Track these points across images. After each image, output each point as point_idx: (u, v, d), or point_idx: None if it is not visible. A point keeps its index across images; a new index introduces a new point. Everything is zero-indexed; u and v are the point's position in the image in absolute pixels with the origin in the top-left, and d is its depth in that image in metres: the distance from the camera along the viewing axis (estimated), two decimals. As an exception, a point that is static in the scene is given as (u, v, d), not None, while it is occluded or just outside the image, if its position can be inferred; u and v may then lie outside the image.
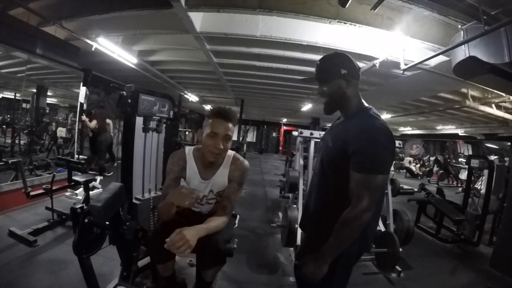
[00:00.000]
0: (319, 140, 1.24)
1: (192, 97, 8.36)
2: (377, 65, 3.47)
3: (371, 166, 0.94)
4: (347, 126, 1.05)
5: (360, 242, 1.02)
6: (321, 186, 1.12)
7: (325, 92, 1.11)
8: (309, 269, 1.00)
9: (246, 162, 1.46)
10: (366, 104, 1.10)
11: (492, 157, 7.07)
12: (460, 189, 6.98)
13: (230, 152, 1.45)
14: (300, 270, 1.03)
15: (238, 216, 1.81)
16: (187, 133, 11.48)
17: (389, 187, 2.89)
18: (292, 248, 2.67)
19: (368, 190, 0.93)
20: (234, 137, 1.42)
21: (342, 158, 0.99)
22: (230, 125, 1.31)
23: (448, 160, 9.52)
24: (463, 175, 7.80)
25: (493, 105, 5.44)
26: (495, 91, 4.47)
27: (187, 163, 1.41)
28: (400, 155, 12.32)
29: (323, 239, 1.00)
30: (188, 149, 1.44)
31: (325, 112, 1.16)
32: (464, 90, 4.99)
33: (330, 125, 1.30)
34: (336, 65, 1.09)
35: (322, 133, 2.95)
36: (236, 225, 1.73)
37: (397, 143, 2.94)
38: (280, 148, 17.25)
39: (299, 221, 1.48)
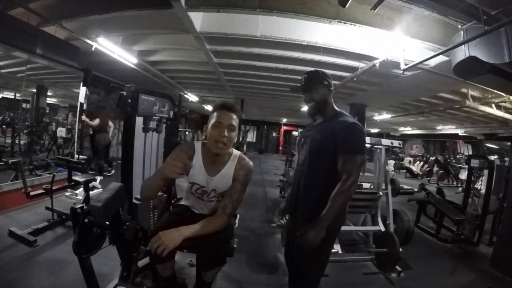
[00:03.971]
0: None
1: (192, 97, 8.35)
2: (377, 65, 3.47)
3: (355, 149, 1.28)
4: (331, 124, 1.36)
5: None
6: (313, 171, 1.37)
7: (312, 98, 1.43)
8: (310, 235, 1.20)
9: (251, 163, 1.46)
10: (338, 109, 1.45)
11: (492, 157, 7.07)
12: (460, 189, 6.98)
13: (236, 152, 1.45)
14: (301, 237, 1.21)
15: (238, 216, 1.81)
16: (187, 133, 11.50)
17: (389, 187, 2.89)
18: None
19: (354, 166, 1.25)
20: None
21: (331, 146, 1.30)
22: (234, 116, 1.34)
23: (448, 160, 9.52)
24: (463, 175, 7.79)
25: (493, 105, 5.45)
26: (495, 91, 4.47)
27: (194, 154, 1.40)
28: (400, 155, 12.33)
29: (320, 209, 1.23)
30: (197, 143, 1.44)
31: (310, 114, 1.50)
32: (464, 90, 5.00)
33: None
34: (321, 77, 1.43)
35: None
36: (236, 225, 1.73)
37: (396, 143, 2.97)
38: (280, 148, 17.26)
39: (285, 207, 1.66)
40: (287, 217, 1.65)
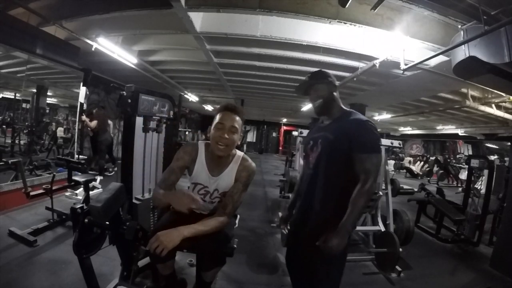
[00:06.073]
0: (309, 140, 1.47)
1: (192, 97, 8.36)
2: (377, 65, 3.47)
3: (372, 148, 1.21)
4: (343, 123, 1.30)
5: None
6: (328, 173, 1.29)
7: (318, 95, 1.36)
8: (334, 243, 1.12)
9: (254, 165, 1.47)
10: (346, 108, 1.39)
11: (492, 157, 7.07)
12: (460, 189, 6.98)
13: (240, 153, 1.46)
14: (324, 246, 1.13)
15: (238, 216, 1.81)
16: (187, 133, 11.49)
17: (389, 187, 2.89)
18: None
19: (372, 166, 1.19)
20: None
21: (346, 146, 1.23)
22: (237, 118, 1.34)
23: (448, 160, 9.51)
24: (463, 175, 7.79)
25: (493, 105, 5.44)
26: (495, 91, 4.47)
27: (198, 156, 1.41)
28: (400, 155, 12.32)
29: (340, 214, 1.16)
30: (201, 143, 1.45)
31: (319, 113, 1.42)
32: (464, 90, 4.99)
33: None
34: (325, 75, 1.39)
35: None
36: (236, 225, 1.73)
37: (396, 143, 2.96)
38: (280, 148, 17.27)
39: (287, 215, 1.61)
40: (289, 226, 1.56)
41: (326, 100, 1.36)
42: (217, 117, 1.34)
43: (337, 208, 1.21)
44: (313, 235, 1.23)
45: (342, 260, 1.30)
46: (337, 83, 1.41)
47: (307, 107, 8.30)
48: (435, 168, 9.64)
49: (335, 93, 1.37)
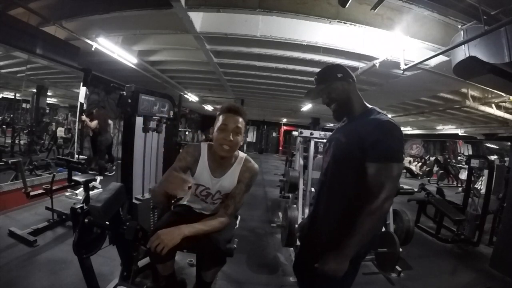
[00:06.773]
0: (324, 141, 1.26)
1: (192, 97, 8.35)
2: (377, 65, 3.46)
3: (389, 155, 0.99)
4: (360, 123, 1.09)
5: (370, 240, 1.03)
6: (336, 182, 1.13)
7: (330, 98, 1.18)
8: (331, 267, 0.98)
9: (257, 166, 1.46)
10: (369, 105, 1.19)
11: (492, 157, 7.07)
12: (460, 189, 6.98)
13: (242, 154, 1.46)
14: (321, 268, 1.00)
15: (239, 217, 1.81)
16: (187, 133, 11.49)
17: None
18: (292, 248, 2.67)
19: (388, 178, 0.97)
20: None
21: (358, 152, 1.03)
22: (240, 119, 1.33)
23: (448, 160, 9.51)
24: (463, 175, 7.79)
25: (493, 105, 5.44)
26: (495, 91, 4.47)
27: (200, 157, 1.41)
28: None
29: (345, 233, 1.00)
30: (204, 145, 1.45)
31: (337, 118, 1.24)
32: (464, 90, 4.99)
33: (331, 125, 1.32)
34: (331, 71, 1.19)
35: (322, 133, 2.96)
36: (237, 226, 1.73)
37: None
38: (280, 148, 17.26)
39: (304, 224, 1.44)
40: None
41: (341, 101, 1.17)
42: (220, 119, 1.33)
43: (342, 224, 1.04)
44: (316, 248, 1.13)
45: (349, 275, 1.09)
46: (352, 78, 1.19)
47: (307, 107, 8.30)
48: (435, 168, 9.64)
49: (351, 92, 1.17)
